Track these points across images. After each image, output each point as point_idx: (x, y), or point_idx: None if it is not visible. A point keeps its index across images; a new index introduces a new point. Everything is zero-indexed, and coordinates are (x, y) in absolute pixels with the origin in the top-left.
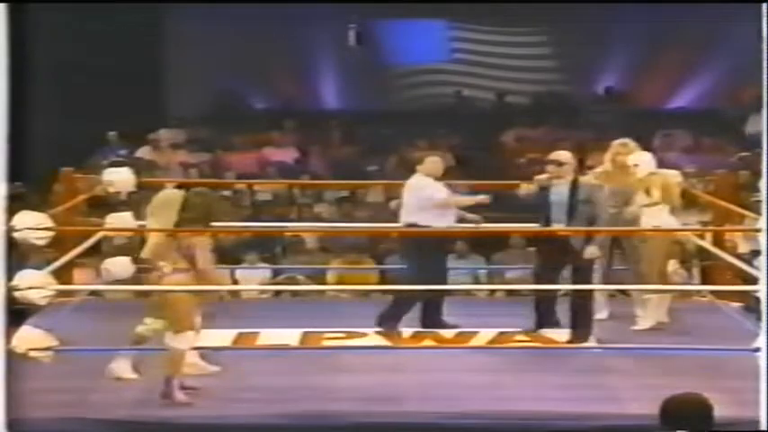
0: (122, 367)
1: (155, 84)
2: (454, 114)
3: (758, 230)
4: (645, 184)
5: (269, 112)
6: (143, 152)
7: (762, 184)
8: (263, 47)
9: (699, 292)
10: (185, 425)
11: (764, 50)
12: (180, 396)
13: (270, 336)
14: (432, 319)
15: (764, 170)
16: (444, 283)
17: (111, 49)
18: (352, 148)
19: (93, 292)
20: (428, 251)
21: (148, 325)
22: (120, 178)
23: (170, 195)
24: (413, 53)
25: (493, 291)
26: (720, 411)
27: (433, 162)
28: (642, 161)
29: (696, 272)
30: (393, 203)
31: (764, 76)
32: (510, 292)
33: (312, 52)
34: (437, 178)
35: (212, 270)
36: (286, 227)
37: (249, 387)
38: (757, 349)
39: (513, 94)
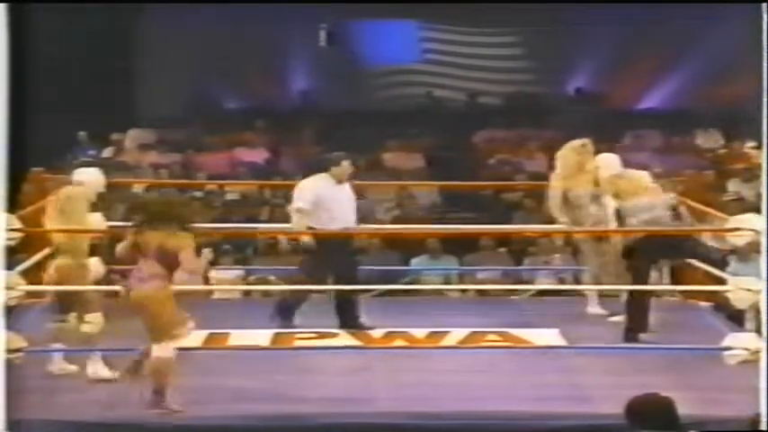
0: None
1: (125, 84)
2: (426, 115)
3: (736, 230)
4: (613, 186)
5: (240, 113)
6: (112, 152)
7: (762, 183)
8: (235, 47)
9: (670, 292)
10: (161, 426)
11: (764, 50)
12: (174, 406)
13: (241, 336)
14: (347, 318)
15: (764, 170)
16: (354, 282)
17: (82, 49)
18: (324, 149)
19: None
20: (331, 254)
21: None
22: (89, 179)
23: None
24: (384, 54)
25: (465, 290)
26: (691, 410)
27: (346, 167)
28: (603, 164)
29: (666, 272)
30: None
31: (764, 76)
32: (481, 292)
33: (283, 52)
34: (340, 182)
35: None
36: (258, 228)
37: (221, 388)
38: (727, 348)
39: (485, 94)
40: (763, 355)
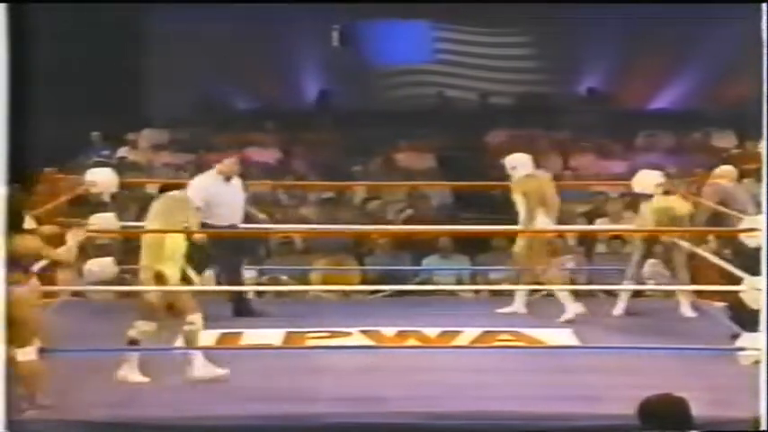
0: (131, 372)
1: (137, 84)
2: (437, 115)
3: (755, 231)
4: (521, 186)
5: (252, 113)
6: (125, 152)
7: (762, 184)
8: (246, 47)
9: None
10: (171, 425)
11: (764, 50)
12: (45, 401)
13: (253, 336)
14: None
15: (764, 170)
16: (238, 282)
17: (93, 50)
18: (336, 149)
19: (76, 293)
20: (223, 253)
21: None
22: (102, 179)
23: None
24: (396, 54)
25: (477, 291)
26: (703, 411)
27: (230, 164)
28: (519, 163)
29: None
30: (371, 205)
31: (764, 76)
32: (494, 292)
33: (295, 52)
34: (228, 178)
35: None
36: (270, 228)
37: (232, 387)
38: (741, 349)
39: (496, 94)
40: (763, 355)
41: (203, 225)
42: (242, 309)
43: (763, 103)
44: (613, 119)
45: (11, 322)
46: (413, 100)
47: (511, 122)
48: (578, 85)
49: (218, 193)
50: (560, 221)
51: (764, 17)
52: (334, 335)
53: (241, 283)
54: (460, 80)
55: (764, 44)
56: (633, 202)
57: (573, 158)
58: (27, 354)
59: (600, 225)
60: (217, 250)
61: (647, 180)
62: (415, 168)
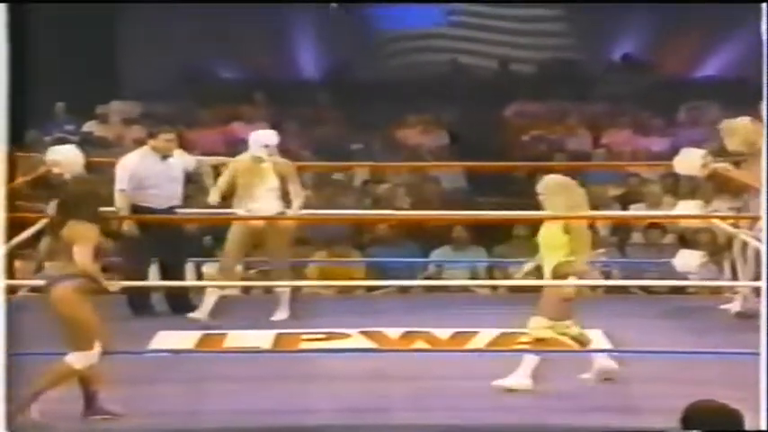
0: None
1: (107, 51)
2: (450, 85)
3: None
4: (284, 167)
5: (239, 83)
6: (91, 127)
7: (762, 181)
8: (232, 9)
9: (730, 287)
10: None
11: (764, 50)
12: (35, 414)
13: (239, 337)
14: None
15: (764, 168)
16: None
17: (61, 16)
18: (335, 125)
19: (35, 289)
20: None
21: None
22: (66, 158)
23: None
24: (403, 16)
25: (494, 286)
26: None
27: (164, 139)
28: (276, 141)
29: (727, 265)
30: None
31: (764, 76)
32: (513, 288)
33: (289, 15)
34: (165, 156)
35: (94, 270)
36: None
37: (217, 396)
38: None
39: (517, 61)
40: (763, 355)
41: (137, 208)
42: (179, 305)
43: (763, 101)
44: (652, 89)
45: (61, 320)
46: (422, 69)
47: (534, 94)
48: (612, 51)
49: (149, 174)
50: (591, 207)
51: (764, 17)
52: (331, 336)
53: (183, 276)
54: (477, 45)
55: (764, 44)
56: (674, 184)
57: (606, 134)
58: (79, 359)
59: (635, 211)
60: (156, 239)
61: (690, 159)
62: (425, 147)
